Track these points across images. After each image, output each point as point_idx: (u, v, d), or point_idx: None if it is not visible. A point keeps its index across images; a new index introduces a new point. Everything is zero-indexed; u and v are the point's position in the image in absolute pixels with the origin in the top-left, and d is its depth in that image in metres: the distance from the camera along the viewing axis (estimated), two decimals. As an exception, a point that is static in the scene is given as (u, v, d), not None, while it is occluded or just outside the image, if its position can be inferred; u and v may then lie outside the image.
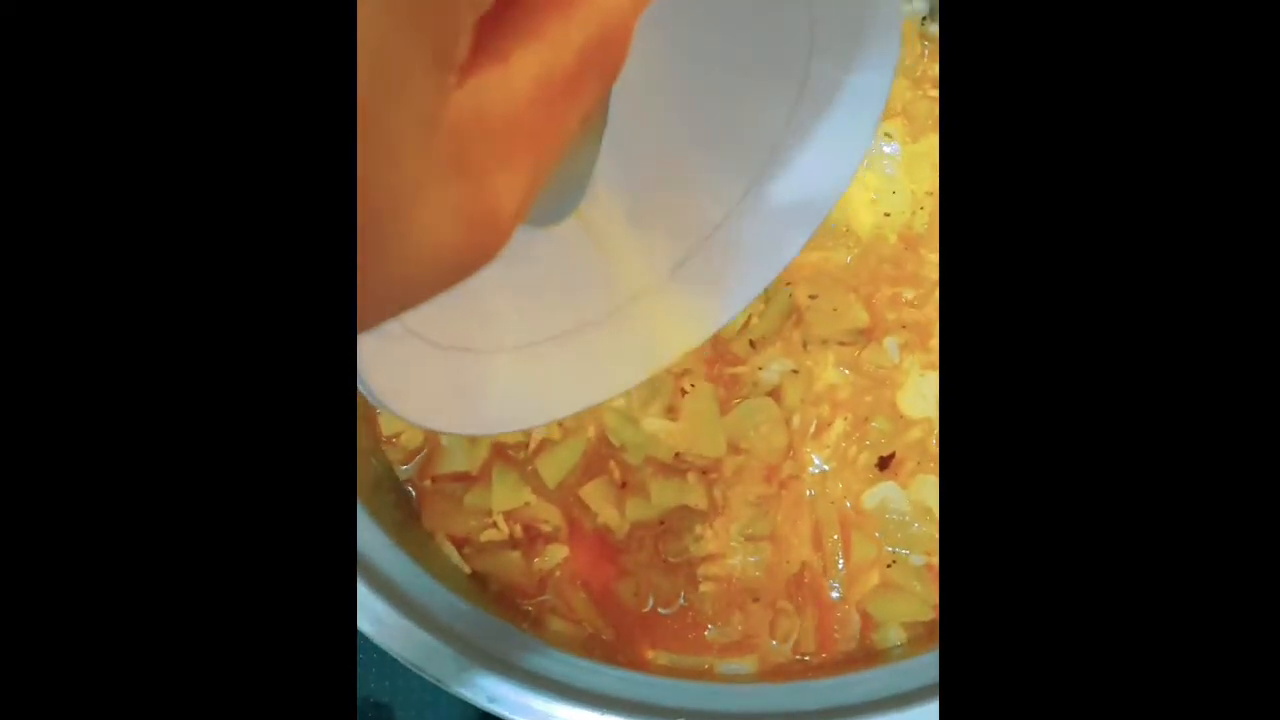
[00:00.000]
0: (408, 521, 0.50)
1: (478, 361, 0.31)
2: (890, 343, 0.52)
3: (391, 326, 0.26)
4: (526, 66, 0.19)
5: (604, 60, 0.20)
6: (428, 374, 0.29)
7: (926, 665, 0.44)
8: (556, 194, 0.29)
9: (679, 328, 0.34)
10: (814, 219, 0.33)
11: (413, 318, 0.27)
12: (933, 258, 0.54)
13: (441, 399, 0.29)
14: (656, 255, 0.34)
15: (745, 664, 0.48)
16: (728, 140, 0.33)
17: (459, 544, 0.51)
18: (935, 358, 0.52)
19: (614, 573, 0.50)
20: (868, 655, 0.48)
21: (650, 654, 0.49)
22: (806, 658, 0.49)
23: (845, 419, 0.52)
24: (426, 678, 0.42)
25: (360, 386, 0.27)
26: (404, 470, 0.52)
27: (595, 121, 0.26)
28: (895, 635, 0.49)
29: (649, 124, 0.27)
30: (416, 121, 0.17)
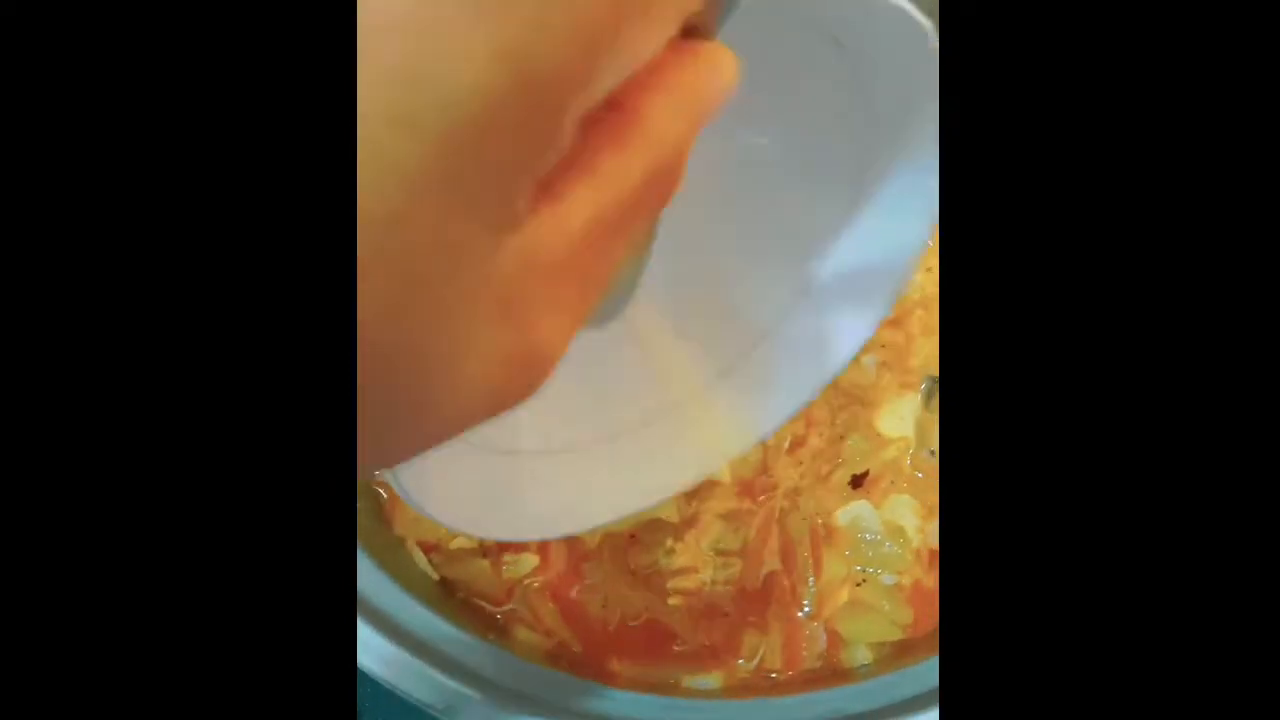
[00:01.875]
0: (377, 526, 0.50)
1: (515, 464, 0.30)
2: (868, 360, 0.52)
3: None
4: (581, 207, 0.17)
5: (658, 193, 0.19)
6: (463, 475, 0.28)
7: (889, 685, 0.44)
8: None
9: (724, 434, 0.33)
10: (866, 323, 0.32)
11: None
12: (914, 277, 0.54)
13: (476, 502, 0.28)
14: (702, 360, 0.33)
15: (711, 679, 0.48)
16: (777, 245, 0.32)
17: (428, 550, 0.50)
18: (913, 377, 0.52)
19: (583, 583, 0.50)
20: (833, 674, 0.48)
21: (616, 666, 0.49)
22: (773, 675, 0.48)
23: (820, 435, 0.51)
24: (387, 685, 0.41)
25: (394, 484, 0.26)
26: (376, 473, 0.52)
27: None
28: (862, 655, 0.49)
29: (698, 229, 0.26)
30: (470, 283, 0.16)
